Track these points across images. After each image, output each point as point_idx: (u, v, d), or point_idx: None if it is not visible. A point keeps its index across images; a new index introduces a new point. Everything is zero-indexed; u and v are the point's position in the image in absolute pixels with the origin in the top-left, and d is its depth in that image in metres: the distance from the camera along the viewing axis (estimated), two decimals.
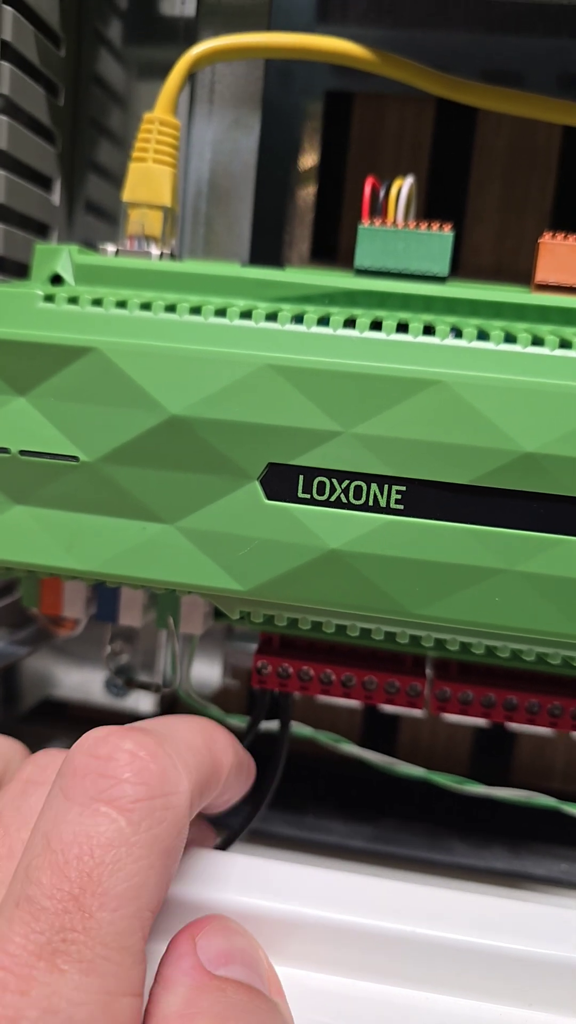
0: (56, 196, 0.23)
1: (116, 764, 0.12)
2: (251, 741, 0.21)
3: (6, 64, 0.20)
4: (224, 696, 0.28)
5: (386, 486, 0.15)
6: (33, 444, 0.16)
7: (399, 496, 0.15)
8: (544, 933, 0.16)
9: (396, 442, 0.15)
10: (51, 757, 0.15)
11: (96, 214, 0.26)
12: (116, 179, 0.27)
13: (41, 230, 0.23)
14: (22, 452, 0.16)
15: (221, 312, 0.16)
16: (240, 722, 0.23)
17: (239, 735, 0.21)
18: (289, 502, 0.15)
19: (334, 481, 0.15)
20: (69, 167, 0.24)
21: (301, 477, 0.15)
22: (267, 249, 0.24)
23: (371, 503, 0.15)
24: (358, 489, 0.15)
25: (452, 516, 0.15)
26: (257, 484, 0.15)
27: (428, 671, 0.19)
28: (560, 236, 0.18)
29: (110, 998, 0.11)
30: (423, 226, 0.18)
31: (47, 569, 0.16)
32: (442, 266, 0.18)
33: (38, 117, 0.22)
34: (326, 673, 0.19)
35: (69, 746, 0.14)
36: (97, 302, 0.16)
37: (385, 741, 0.28)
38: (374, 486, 0.15)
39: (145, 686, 0.24)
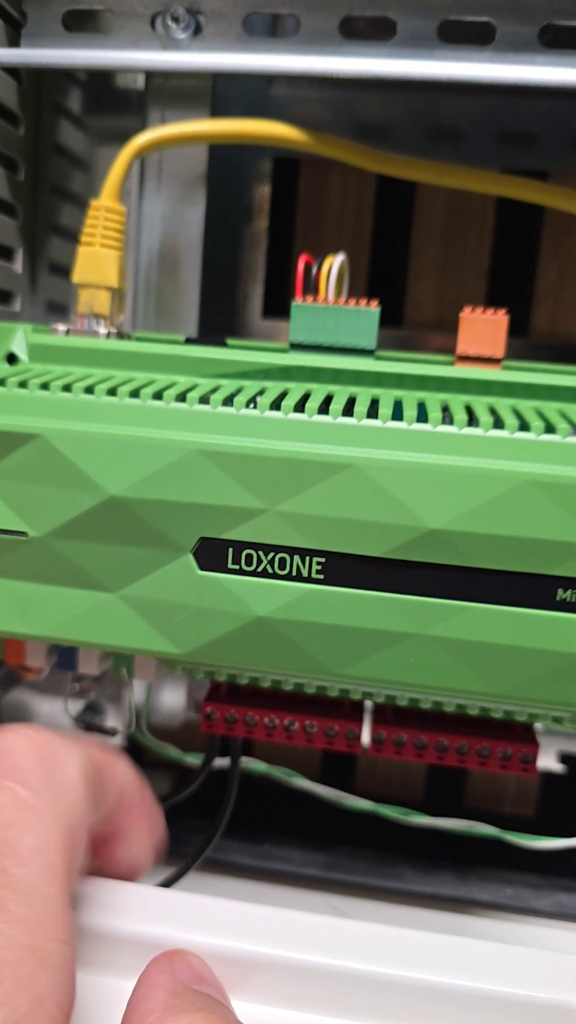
0: (18, 264, 0.25)
1: (11, 748, 0.14)
2: (206, 778, 0.23)
3: None
4: (188, 729, 0.29)
5: (307, 558, 0.16)
6: None
7: (319, 567, 0.16)
8: (488, 969, 0.17)
9: (315, 519, 0.16)
10: None
11: (59, 274, 0.27)
12: (79, 239, 0.28)
13: (4, 297, 0.24)
14: None
15: (158, 395, 0.17)
16: (196, 760, 0.24)
17: (195, 772, 0.23)
18: (220, 572, 0.17)
19: (260, 553, 0.16)
20: (31, 234, 0.26)
21: (231, 550, 0.16)
22: (216, 312, 0.25)
23: (294, 573, 0.16)
24: (282, 560, 0.16)
25: (368, 585, 0.16)
26: (191, 556, 0.17)
27: (368, 712, 0.21)
28: (479, 310, 0.19)
29: (36, 942, 0.12)
30: (352, 302, 0.20)
31: (2, 634, 0.18)
32: (370, 340, 0.20)
33: None
34: (270, 719, 0.21)
35: None
36: (45, 386, 0.18)
37: (343, 770, 0.29)
38: (296, 558, 0.16)
39: (104, 731, 0.25)
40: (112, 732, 0.25)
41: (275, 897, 0.25)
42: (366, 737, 0.20)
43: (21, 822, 0.13)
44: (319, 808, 0.25)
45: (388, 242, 0.27)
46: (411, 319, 0.27)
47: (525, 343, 0.26)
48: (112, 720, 0.28)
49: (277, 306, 0.27)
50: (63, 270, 0.28)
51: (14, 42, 0.23)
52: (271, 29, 0.23)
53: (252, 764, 0.25)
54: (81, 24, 0.23)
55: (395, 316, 0.27)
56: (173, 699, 0.30)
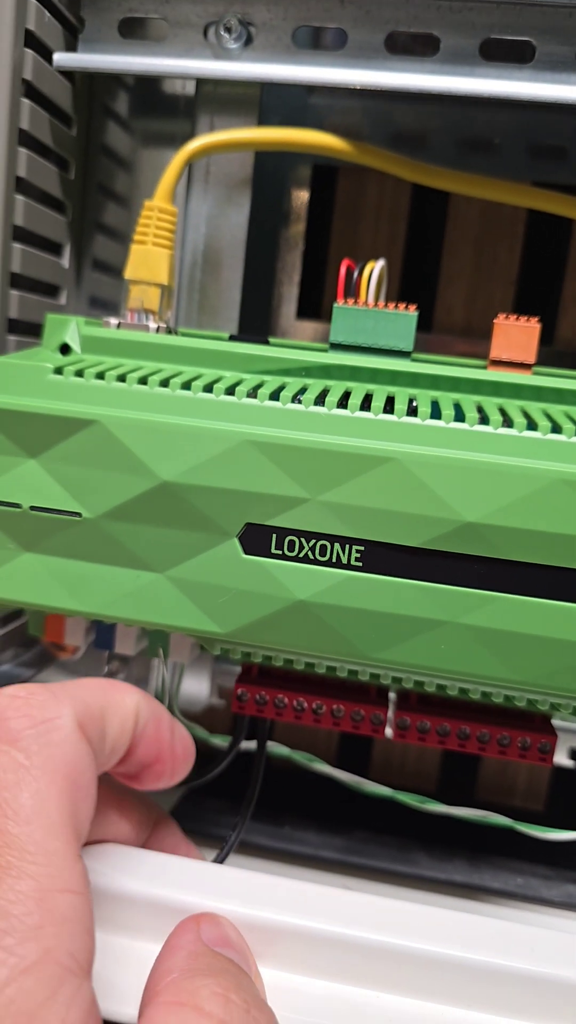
0: (66, 260, 0.26)
1: (3, 711, 0.14)
2: (232, 760, 0.24)
3: (23, 150, 0.22)
4: (211, 714, 0.30)
5: (347, 546, 0.17)
6: (42, 501, 0.18)
7: (358, 555, 0.17)
8: (502, 945, 0.17)
9: (356, 509, 0.17)
10: None
11: (102, 270, 0.28)
12: (121, 237, 0.29)
13: (51, 291, 0.25)
14: (32, 507, 0.18)
15: (208, 388, 0.18)
16: (223, 741, 0.25)
17: (221, 754, 0.24)
18: (263, 557, 0.17)
19: (303, 540, 0.17)
20: (78, 231, 0.27)
21: (274, 536, 0.17)
22: (255, 311, 0.26)
23: (334, 560, 0.17)
24: (323, 547, 0.17)
25: (404, 573, 0.17)
26: (236, 541, 0.17)
27: (391, 699, 0.22)
28: (513, 317, 0.20)
29: (44, 894, 0.13)
30: (391, 306, 0.21)
31: (51, 609, 0.19)
32: (407, 343, 0.21)
33: (51, 192, 0.24)
34: (299, 701, 0.21)
35: None
36: (100, 375, 0.19)
37: (360, 758, 0.30)
38: (337, 545, 0.17)
39: None
40: None
41: (289, 876, 0.26)
42: (390, 723, 0.21)
43: (18, 783, 0.13)
44: (338, 793, 0.26)
45: (421, 249, 0.28)
46: (440, 324, 0.28)
47: (550, 351, 0.27)
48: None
49: (311, 307, 0.28)
50: (106, 267, 0.29)
51: (71, 46, 0.24)
52: (318, 42, 0.24)
53: (274, 748, 0.26)
54: (135, 31, 0.24)
55: (425, 321, 0.28)
56: (195, 686, 0.31)
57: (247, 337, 0.22)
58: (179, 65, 0.22)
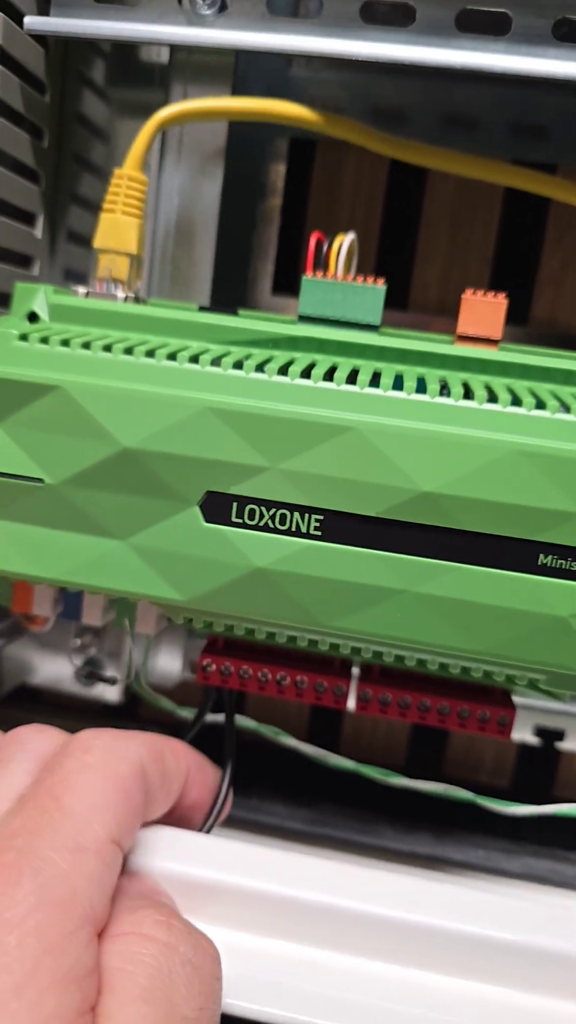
0: (39, 230, 0.26)
1: (80, 734, 0.17)
2: (197, 732, 0.24)
3: None
4: (184, 689, 0.30)
5: (307, 515, 0.17)
6: (4, 466, 0.18)
7: (317, 524, 0.17)
8: (459, 910, 0.18)
9: (316, 478, 0.17)
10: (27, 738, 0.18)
11: (77, 242, 0.28)
12: (96, 208, 0.29)
13: (24, 262, 0.25)
14: None
15: (172, 356, 0.18)
16: (191, 714, 0.26)
17: (188, 725, 0.24)
18: (224, 525, 0.18)
19: (262, 508, 0.17)
20: (52, 201, 0.26)
21: (235, 504, 0.17)
22: (228, 285, 0.26)
23: (293, 528, 0.17)
24: (283, 516, 0.17)
25: (362, 542, 0.17)
26: (197, 509, 0.18)
27: (354, 672, 0.22)
28: (480, 293, 0.20)
29: (78, 850, 0.14)
30: (359, 279, 0.21)
31: (14, 576, 0.19)
32: (375, 316, 0.21)
33: (23, 160, 0.24)
34: (263, 672, 0.22)
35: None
36: (65, 343, 0.19)
37: (330, 733, 0.30)
38: (296, 514, 0.17)
39: (104, 679, 0.26)
40: (112, 681, 0.26)
41: (258, 846, 0.26)
42: (352, 695, 0.21)
43: (81, 771, 0.16)
44: (305, 766, 0.27)
45: (397, 225, 0.28)
46: (416, 301, 0.28)
47: (525, 330, 0.27)
48: (109, 677, 0.29)
49: (287, 283, 0.28)
50: (81, 239, 0.28)
51: (44, 11, 0.23)
52: (293, 10, 0.24)
53: (242, 721, 0.26)
54: None
55: (401, 298, 0.28)
56: (169, 662, 0.31)
57: (216, 309, 0.21)
58: (152, 31, 0.22)
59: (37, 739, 0.17)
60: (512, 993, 0.18)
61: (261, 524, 0.17)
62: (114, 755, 0.16)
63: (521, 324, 0.28)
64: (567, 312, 0.27)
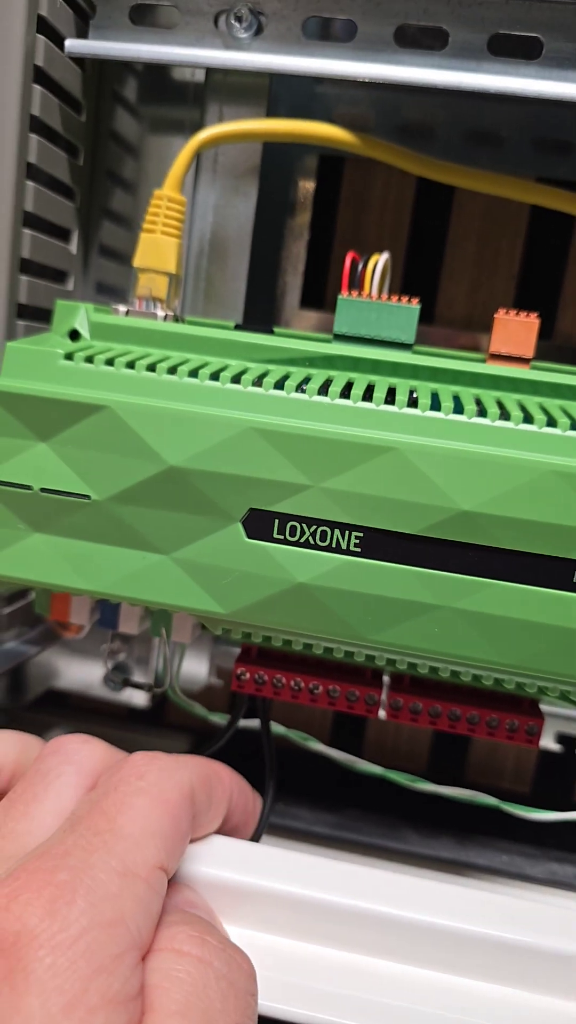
0: (74, 246, 0.26)
1: (133, 758, 0.17)
2: (230, 737, 0.24)
3: (34, 136, 0.22)
4: (209, 693, 0.31)
5: (347, 532, 0.18)
6: (52, 483, 0.19)
7: (357, 540, 0.18)
8: (485, 916, 0.18)
9: (356, 496, 0.17)
10: (64, 749, 0.18)
11: (109, 256, 0.29)
12: (128, 223, 0.29)
13: (59, 277, 0.26)
14: (42, 489, 0.19)
15: (215, 376, 0.19)
16: (221, 719, 0.26)
17: (220, 731, 0.24)
18: (266, 541, 0.18)
19: (304, 526, 0.18)
20: (86, 217, 0.27)
21: (276, 521, 0.18)
22: (260, 300, 0.27)
23: (334, 545, 0.18)
24: (324, 533, 0.18)
25: (401, 559, 0.18)
26: (240, 525, 0.18)
27: (385, 681, 0.22)
28: (512, 312, 0.21)
29: (127, 874, 0.14)
30: (394, 299, 0.21)
31: (59, 588, 0.19)
32: (409, 335, 0.21)
33: (60, 177, 0.25)
34: (296, 681, 0.22)
35: (69, 731, 0.18)
36: (110, 362, 0.19)
37: (354, 737, 0.31)
38: (337, 531, 0.18)
39: (139, 686, 0.27)
40: (149, 688, 0.26)
41: (287, 849, 0.26)
42: (384, 704, 0.22)
43: (137, 794, 0.16)
44: (328, 771, 0.27)
45: (425, 241, 0.28)
46: (442, 316, 0.28)
47: (550, 345, 0.28)
48: (137, 681, 0.30)
49: (315, 297, 0.28)
50: (113, 253, 0.29)
51: (82, 32, 0.24)
52: (327, 33, 0.24)
53: (271, 727, 0.27)
54: (146, 18, 0.24)
55: (427, 312, 0.28)
56: (195, 667, 0.32)
57: (252, 327, 0.22)
58: (190, 54, 0.22)
59: (83, 751, 0.18)
60: (534, 996, 0.18)
61: (302, 540, 0.18)
62: (167, 782, 0.16)
63: (546, 338, 0.28)
64: None
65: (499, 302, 0.28)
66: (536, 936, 0.18)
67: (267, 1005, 0.17)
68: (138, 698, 0.30)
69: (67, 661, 0.31)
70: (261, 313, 0.27)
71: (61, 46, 0.23)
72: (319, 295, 0.28)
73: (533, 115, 0.28)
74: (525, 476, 0.17)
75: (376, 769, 0.26)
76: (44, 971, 0.12)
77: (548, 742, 0.29)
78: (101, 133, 0.27)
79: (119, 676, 0.29)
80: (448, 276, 0.28)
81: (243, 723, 0.25)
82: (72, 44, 0.23)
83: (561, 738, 0.29)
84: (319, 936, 0.19)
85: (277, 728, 0.27)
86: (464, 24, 0.22)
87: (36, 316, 0.24)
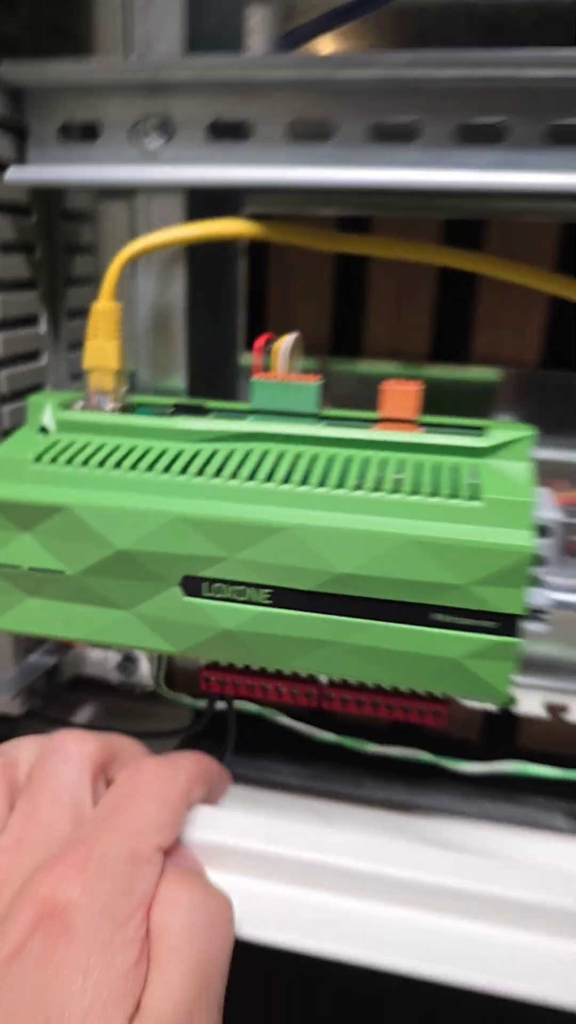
0: (43, 325, 0.31)
1: (147, 767, 0.23)
2: (210, 718, 0.31)
3: None
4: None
5: (259, 589, 0.23)
6: (35, 563, 0.24)
7: (267, 595, 0.23)
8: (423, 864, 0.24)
9: (262, 564, 0.23)
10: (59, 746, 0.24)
11: (77, 316, 0.33)
12: (92, 281, 0.33)
13: (32, 356, 0.30)
14: (29, 568, 0.24)
15: (151, 466, 0.24)
16: (203, 704, 0.32)
17: (204, 713, 0.31)
18: (198, 598, 0.23)
19: (225, 586, 0.23)
20: (50, 292, 0.31)
21: (204, 583, 0.23)
22: (204, 367, 0.31)
23: (249, 600, 0.23)
24: (241, 591, 0.23)
25: (301, 608, 0.23)
26: (178, 587, 0.23)
27: (322, 680, 0.28)
28: (395, 382, 0.25)
29: (137, 851, 0.20)
30: (298, 378, 0.25)
31: (52, 638, 0.25)
32: (313, 407, 0.25)
33: (21, 277, 0.29)
34: (250, 683, 0.28)
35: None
36: (69, 461, 0.24)
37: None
38: (250, 589, 0.23)
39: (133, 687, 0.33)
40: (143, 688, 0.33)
41: (269, 799, 0.33)
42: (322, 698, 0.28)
43: (144, 803, 0.21)
44: (300, 737, 0.33)
45: (349, 286, 0.31)
46: (369, 349, 0.32)
47: (465, 369, 0.31)
48: (144, 666, 0.36)
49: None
50: (81, 313, 0.33)
51: (19, 148, 0.27)
52: (236, 132, 0.27)
53: (249, 707, 0.33)
54: (73, 134, 0.27)
55: (356, 347, 0.32)
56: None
57: (187, 406, 0.27)
58: (110, 173, 0.26)
59: (83, 750, 0.23)
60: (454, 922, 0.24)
61: (225, 597, 0.23)
62: (168, 785, 0.22)
63: (464, 361, 0.31)
64: (502, 348, 0.31)
65: (418, 333, 0.31)
66: (462, 880, 0.24)
67: (244, 933, 0.24)
68: (145, 680, 0.37)
69: (89, 654, 0.38)
70: (206, 376, 0.31)
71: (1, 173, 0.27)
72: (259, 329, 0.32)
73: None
74: (389, 545, 0.22)
75: (332, 737, 0.32)
76: (84, 928, 0.18)
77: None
78: (53, 216, 0.31)
79: (129, 664, 0.35)
80: (373, 313, 0.32)
81: (221, 705, 0.31)
82: (12, 174, 0.26)
83: None
84: (286, 880, 0.25)
85: (251, 707, 0.33)
86: (351, 115, 0.25)
87: (18, 397, 0.29)
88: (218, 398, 0.29)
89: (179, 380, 0.31)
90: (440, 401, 0.32)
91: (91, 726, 0.36)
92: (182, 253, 0.28)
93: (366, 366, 0.32)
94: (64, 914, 0.19)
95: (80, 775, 0.23)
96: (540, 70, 0.22)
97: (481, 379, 0.31)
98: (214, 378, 0.31)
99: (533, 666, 0.34)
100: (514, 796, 0.33)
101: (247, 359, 0.33)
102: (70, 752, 0.23)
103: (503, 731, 0.36)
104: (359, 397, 0.33)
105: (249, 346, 0.33)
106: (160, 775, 0.22)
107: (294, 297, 0.30)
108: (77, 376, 0.33)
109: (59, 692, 0.38)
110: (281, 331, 0.26)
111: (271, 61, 0.24)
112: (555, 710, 0.34)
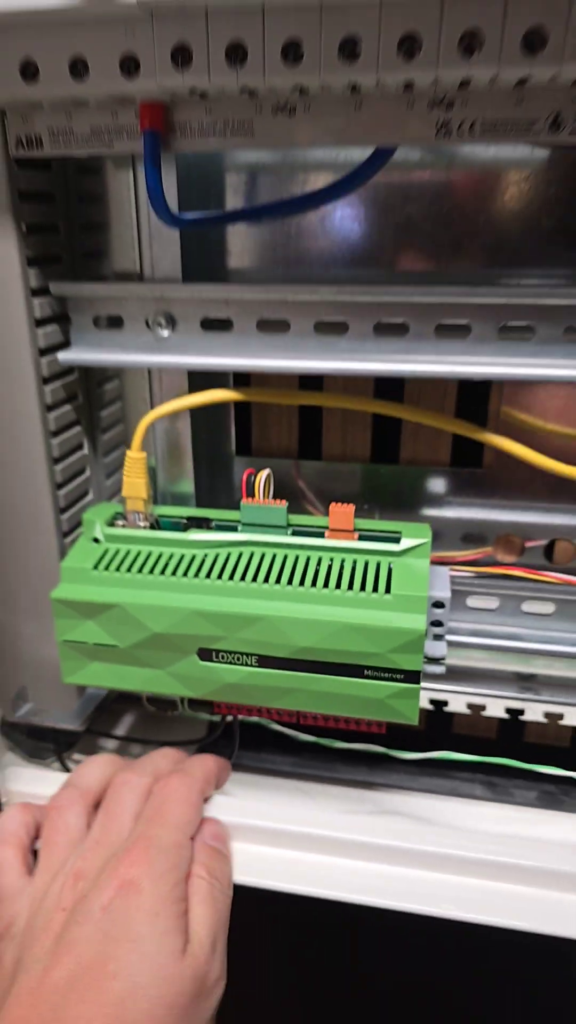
0: (86, 450, 0.41)
1: (173, 781, 0.34)
2: (221, 730, 0.43)
3: (52, 414, 0.37)
4: None
5: (250, 656, 0.34)
6: (97, 640, 0.36)
7: (255, 660, 0.34)
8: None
9: (251, 640, 0.34)
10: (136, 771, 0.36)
11: (109, 433, 0.43)
12: (119, 422, 0.44)
13: (80, 473, 0.41)
14: (94, 643, 0.36)
15: (174, 571, 0.35)
16: (218, 718, 0.44)
17: (216, 724, 0.43)
18: (209, 662, 0.35)
19: (227, 654, 0.35)
20: (90, 433, 0.42)
21: (213, 652, 0.35)
22: (207, 472, 0.41)
23: (244, 663, 0.34)
24: (238, 657, 0.34)
25: (278, 668, 0.34)
26: (195, 655, 0.35)
27: None
28: (338, 505, 0.36)
29: (181, 842, 0.32)
30: (271, 502, 0.36)
31: (109, 688, 0.37)
32: (282, 521, 0.36)
33: (73, 423, 0.39)
34: (248, 708, 0.40)
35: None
36: (117, 568, 0.35)
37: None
38: (244, 656, 0.34)
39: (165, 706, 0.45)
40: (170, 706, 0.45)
41: (266, 783, 0.45)
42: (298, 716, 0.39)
43: (175, 806, 0.33)
44: (288, 737, 0.45)
45: (310, 413, 0.42)
46: (327, 454, 0.43)
47: (395, 469, 0.42)
48: None
49: (245, 449, 0.43)
50: (109, 432, 0.44)
51: (66, 334, 0.38)
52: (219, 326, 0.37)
53: (249, 718, 0.45)
54: (103, 323, 0.37)
55: (317, 453, 0.43)
56: None
57: (196, 519, 0.38)
58: (132, 358, 0.36)
59: (141, 782, 0.34)
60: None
61: (228, 661, 0.35)
62: (191, 791, 0.33)
63: (394, 462, 0.42)
64: (423, 452, 0.42)
65: (360, 444, 0.42)
66: (406, 842, 0.36)
67: (248, 881, 0.36)
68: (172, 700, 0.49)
69: None
70: (211, 488, 0.42)
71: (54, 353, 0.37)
72: (247, 449, 0.43)
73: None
74: (331, 628, 0.33)
75: (309, 738, 0.44)
76: (149, 890, 0.30)
77: (425, 703, 0.46)
78: (91, 380, 0.41)
79: None
80: (327, 431, 0.42)
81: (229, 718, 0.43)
82: (62, 356, 0.37)
83: (431, 701, 0.46)
84: (278, 845, 0.37)
85: (252, 719, 0.45)
86: (300, 315, 0.35)
87: (71, 507, 0.40)
88: (217, 497, 0.40)
89: (188, 485, 0.42)
90: (378, 487, 0.43)
91: (130, 737, 0.48)
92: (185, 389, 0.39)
93: (324, 464, 0.43)
94: (135, 882, 0.30)
95: (137, 799, 0.34)
96: (425, 297, 0.32)
97: (407, 474, 0.42)
98: (213, 482, 0.42)
99: (460, 676, 0.46)
100: (445, 773, 0.45)
101: (236, 464, 0.44)
102: (133, 784, 0.35)
103: (440, 724, 0.48)
104: (321, 483, 0.44)
105: (239, 453, 0.44)
106: (183, 783, 0.34)
107: (270, 422, 0.40)
108: (109, 474, 0.44)
109: (107, 710, 0.50)
110: (262, 447, 0.37)
111: (243, 288, 0.34)
112: (475, 708, 0.45)
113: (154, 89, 0.27)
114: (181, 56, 0.26)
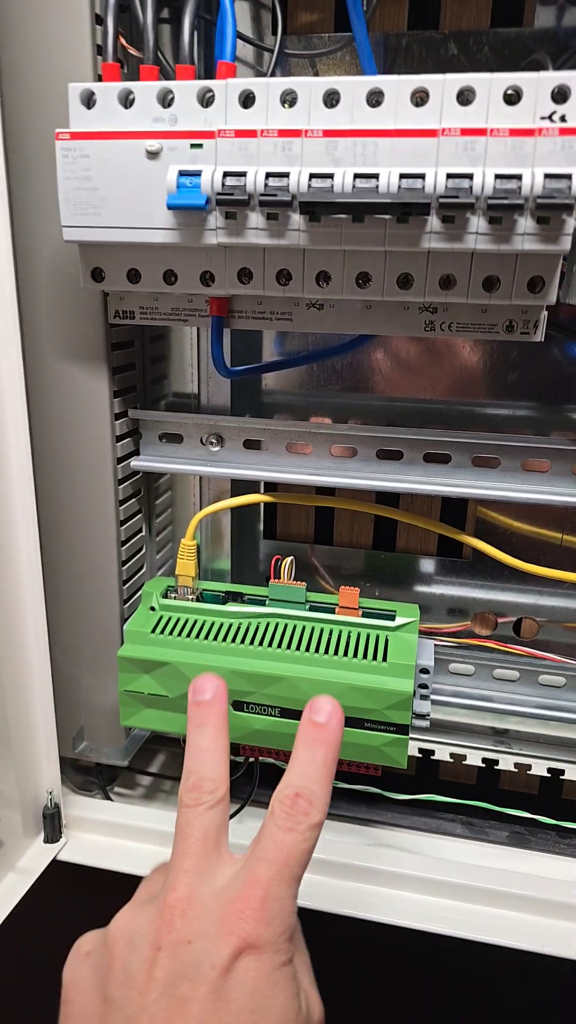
0: (143, 532, 0.51)
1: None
2: (244, 769, 0.51)
3: (122, 508, 0.47)
4: None
5: (273, 708, 0.43)
6: (151, 691, 0.45)
7: (278, 711, 0.43)
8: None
9: (275, 695, 0.43)
10: None
11: (161, 517, 0.53)
12: (170, 506, 0.54)
13: (138, 552, 0.51)
14: (149, 694, 0.45)
15: (215, 637, 0.44)
16: (240, 759, 0.53)
17: (239, 764, 0.51)
18: (242, 712, 0.44)
19: (256, 706, 0.43)
20: (148, 519, 0.51)
21: (245, 704, 0.44)
22: (240, 553, 0.51)
23: (268, 713, 0.43)
24: (264, 708, 0.43)
25: (296, 718, 0.43)
26: (230, 706, 0.44)
27: None
28: (346, 588, 0.45)
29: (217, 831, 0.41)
30: (292, 582, 0.46)
31: (159, 731, 0.46)
32: (302, 599, 0.46)
33: (134, 511, 0.49)
34: (268, 751, 0.48)
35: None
36: (171, 632, 0.45)
37: None
38: (269, 708, 0.43)
39: None
40: None
41: None
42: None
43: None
44: None
45: (325, 508, 0.52)
46: (337, 540, 0.52)
47: (391, 555, 0.52)
48: None
49: (271, 535, 0.53)
50: (161, 516, 0.54)
51: (136, 443, 0.48)
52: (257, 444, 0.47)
53: (266, 759, 0.53)
54: (167, 439, 0.48)
55: (329, 539, 0.52)
56: None
57: (232, 592, 0.47)
58: (190, 467, 0.46)
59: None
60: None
61: (256, 712, 0.44)
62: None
63: (391, 550, 0.52)
64: (412, 543, 0.51)
65: (365, 533, 0.51)
66: (399, 868, 0.44)
67: None
68: None
69: None
70: (244, 563, 0.51)
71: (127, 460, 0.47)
72: (273, 534, 0.53)
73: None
74: (339, 688, 0.42)
75: None
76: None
77: (414, 751, 0.55)
78: (151, 482, 0.51)
79: None
80: (338, 521, 0.52)
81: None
82: (134, 463, 0.47)
83: (419, 749, 0.55)
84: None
85: (268, 760, 0.53)
86: (320, 443, 0.45)
87: (131, 578, 0.49)
88: (245, 570, 0.50)
89: (225, 563, 0.51)
90: (378, 568, 0.52)
91: (161, 774, 0.57)
92: (227, 493, 0.49)
93: (334, 548, 0.52)
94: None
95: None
96: (416, 434, 0.42)
97: (402, 559, 0.52)
98: (243, 562, 0.52)
99: (443, 729, 0.54)
100: (431, 813, 0.53)
101: (263, 545, 0.54)
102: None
103: (428, 771, 0.56)
104: (331, 562, 0.53)
105: (266, 537, 0.54)
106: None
107: (292, 514, 0.50)
108: (159, 551, 0.54)
109: (145, 747, 0.59)
110: (285, 532, 0.46)
111: (276, 421, 0.45)
112: (457, 757, 0.54)
113: (223, 294, 0.38)
114: (244, 275, 0.37)
